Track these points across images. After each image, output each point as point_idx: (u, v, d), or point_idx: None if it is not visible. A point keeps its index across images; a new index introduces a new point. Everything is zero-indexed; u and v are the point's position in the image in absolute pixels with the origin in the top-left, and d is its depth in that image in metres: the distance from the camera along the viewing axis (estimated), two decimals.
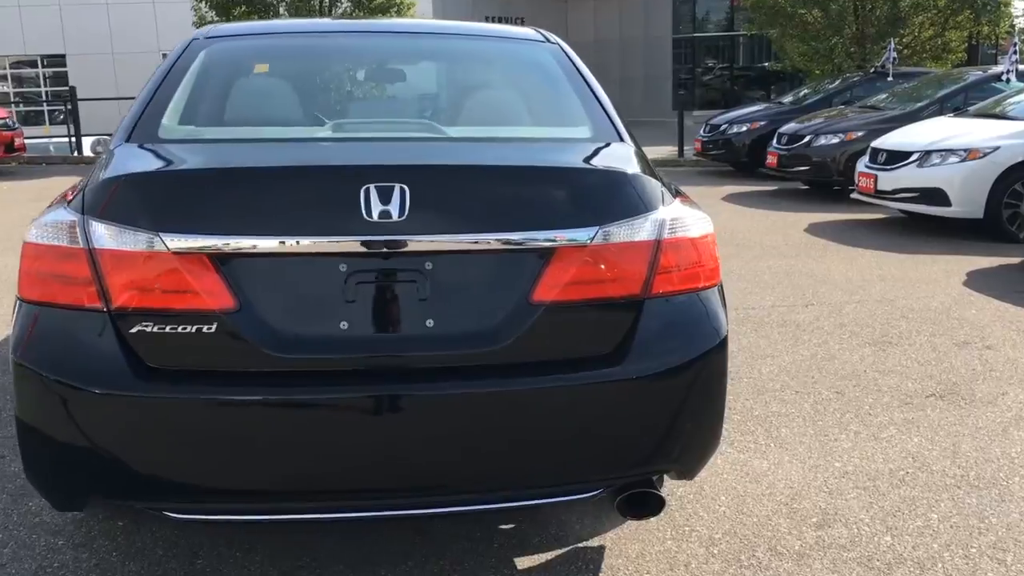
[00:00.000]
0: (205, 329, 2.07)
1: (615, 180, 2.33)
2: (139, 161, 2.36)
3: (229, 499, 2.21)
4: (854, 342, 4.91)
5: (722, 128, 13.67)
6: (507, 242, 2.16)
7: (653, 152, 15.46)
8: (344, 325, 2.12)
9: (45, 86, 27.56)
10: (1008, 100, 9.11)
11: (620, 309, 2.23)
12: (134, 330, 2.08)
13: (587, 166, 2.46)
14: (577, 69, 3.02)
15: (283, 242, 2.09)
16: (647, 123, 20.28)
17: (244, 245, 2.08)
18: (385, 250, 2.12)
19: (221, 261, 2.09)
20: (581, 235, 2.18)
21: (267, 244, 2.09)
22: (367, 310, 2.14)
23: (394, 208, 2.10)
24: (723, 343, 2.35)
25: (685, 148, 15.52)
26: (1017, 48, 10.80)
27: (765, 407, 3.95)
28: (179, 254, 2.08)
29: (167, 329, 2.08)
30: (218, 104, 2.89)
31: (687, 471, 2.46)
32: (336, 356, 2.12)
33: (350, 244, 2.11)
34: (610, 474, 2.30)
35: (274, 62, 3.10)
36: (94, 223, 2.11)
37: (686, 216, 2.36)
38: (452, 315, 2.16)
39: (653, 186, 2.35)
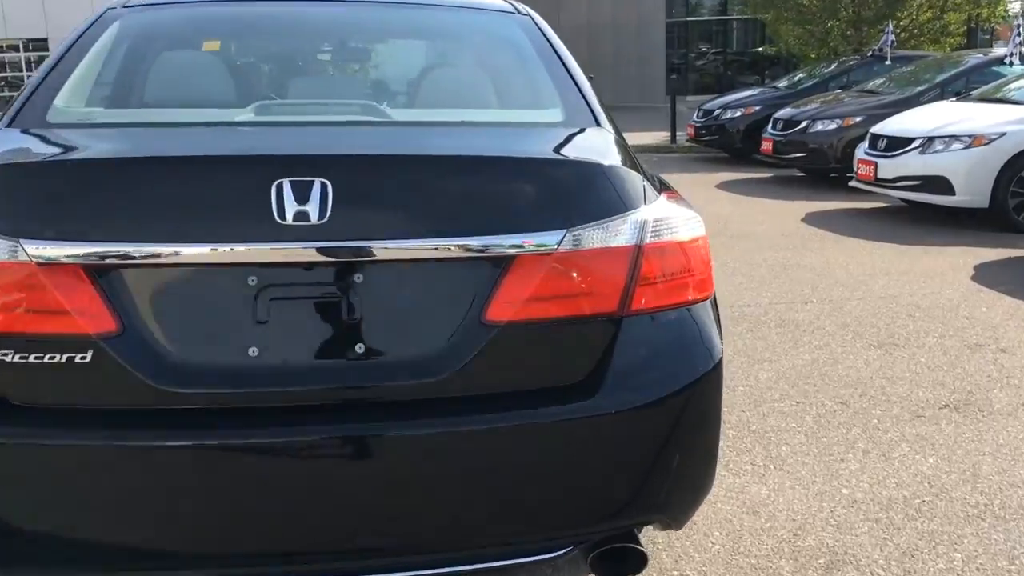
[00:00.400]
0: (79, 358, 1.67)
1: (586, 173, 1.89)
2: (5, 150, 1.92)
3: (113, 566, 1.77)
4: (858, 344, 4.54)
5: (715, 113, 13.26)
6: (451, 249, 1.76)
7: (645, 138, 15.12)
8: (253, 352, 1.73)
9: (28, 71, 27.11)
10: (1012, 84, 8.72)
11: (593, 329, 1.83)
12: None
13: (553, 156, 2.00)
14: (550, 44, 2.60)
15: (176, 250, 1.68)
16: (640, 108, 19.87)
17: (127, 254, 1.68)
18: (301, 260, 1.72)
19: (99, 274, 1.69)
20: (545, 240, 1.79)
21: (155, 252, 1.68)
22: (281, 333, 1.73)
23: (312, 208, 1.71)
24: (717, 367, 1.95)
25: (678, 134, 15.11)
26: (1021, 30, 10.41)
27: (763, 420, 3.57)
28: (45, 265, 1.67)
29: (32, 359, 1.67)
30: (128, 83, 2.43)
31: (674, 521, 2.03)
32: (242, 390, 1.72)
33: (258, 253, 1.70)
34: (581, 528, 1.89)
35: (200, 34, 2.65)
36: None
37: (674, 216, 1.94)
38: (386, 339, 1.77)
39: (634, 180, 1.93)
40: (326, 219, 1.70)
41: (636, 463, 1.87)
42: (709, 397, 1.95)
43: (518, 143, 2.13)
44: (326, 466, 1.73)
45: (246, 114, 2.25)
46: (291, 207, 1.70)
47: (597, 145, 2.10)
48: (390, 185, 1.79)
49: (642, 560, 1.93)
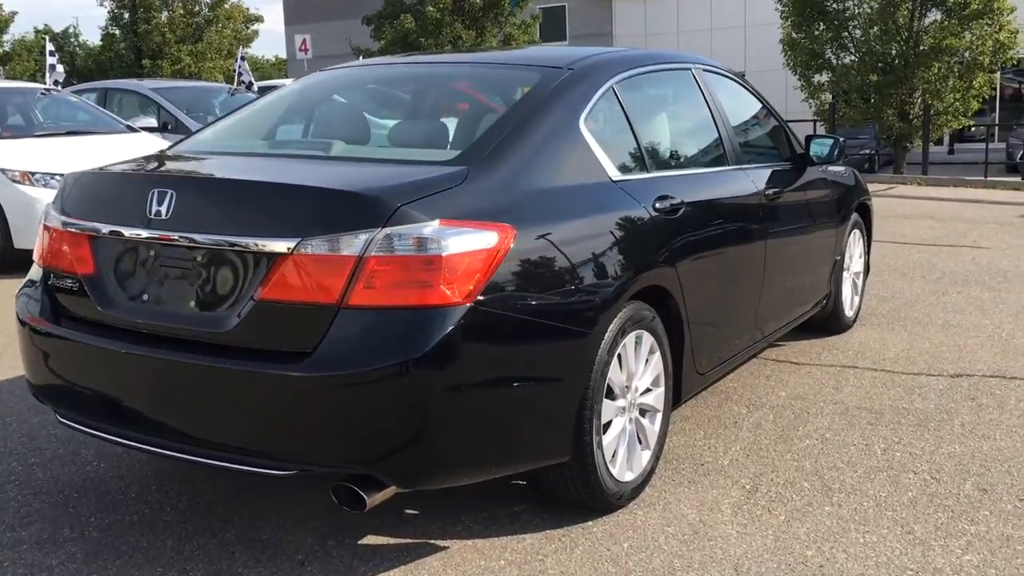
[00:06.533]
0: (76, 287, 2.87)
1: (326, 197, 2.52)
2: None
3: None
4: None
5: None
6: (220, 244, 2.53)
7: None
8: (145, 297, 2.73)
9: None
10: None
11: (319, 314, 2.41)
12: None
13: (304, 184, 2.64)
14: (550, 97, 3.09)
15: (115, 230, 2.76)
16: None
17: (98, 229, 2.80)
18: (157, 240, 2.67)
19: (91, 240, 2.82)
20: (282, 245, 2.43)
21: (109, 231, 2.77)
22: (154, 287, 2.72)
23: (163, 208, 2.64)
24: (423, 362, 2.36)
25: None
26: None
27: None
28: (68, 232, 2.91)
29: (60, 283, 2.93)
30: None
31: (395, 479, 2.50)
32: (132, 319, 2.72)
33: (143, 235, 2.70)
34: (299, 459, 2.49)
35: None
36: None
37: (424, 237, 2.40)
38: (200, 299, 2.61)
39: (379, 207, 2.43)
40: (169, 216, 2.62)
41: (335, 419, 2.41)
42: (406, 381, 2.38)
43: (318, 172, 2.87)
44: (153, 367, 2.64)
45: (262, 146, 3.50)
46: (154, 207, 2.65)
47: (378, 177, 2.68)
48: (202, 197, 2.73)
49: (359, 501, 2.46)
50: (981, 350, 4.88)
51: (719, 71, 4.17)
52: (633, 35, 30.92)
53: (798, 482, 3.26)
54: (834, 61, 17.30)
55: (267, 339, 2.48)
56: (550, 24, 31.63)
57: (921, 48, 16.29)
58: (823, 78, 17.47)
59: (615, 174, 3.09)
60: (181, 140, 3.50)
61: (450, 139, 3.14)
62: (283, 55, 49.51)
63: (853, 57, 17.16)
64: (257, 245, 2.48)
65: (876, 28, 16.58)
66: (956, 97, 16.37)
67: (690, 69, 3.89)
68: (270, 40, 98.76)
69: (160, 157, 3.25)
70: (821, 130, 17.42)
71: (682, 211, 3.29)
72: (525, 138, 2.86)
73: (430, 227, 2.42)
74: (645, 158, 3.33)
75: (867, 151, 21.58)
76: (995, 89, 18.27)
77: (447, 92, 3.61)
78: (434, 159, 2.88)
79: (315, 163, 3.03)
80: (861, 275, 5.51)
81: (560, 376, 2.70)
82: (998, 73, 20.40)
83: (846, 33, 17.04)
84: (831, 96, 17.49)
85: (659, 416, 3.22)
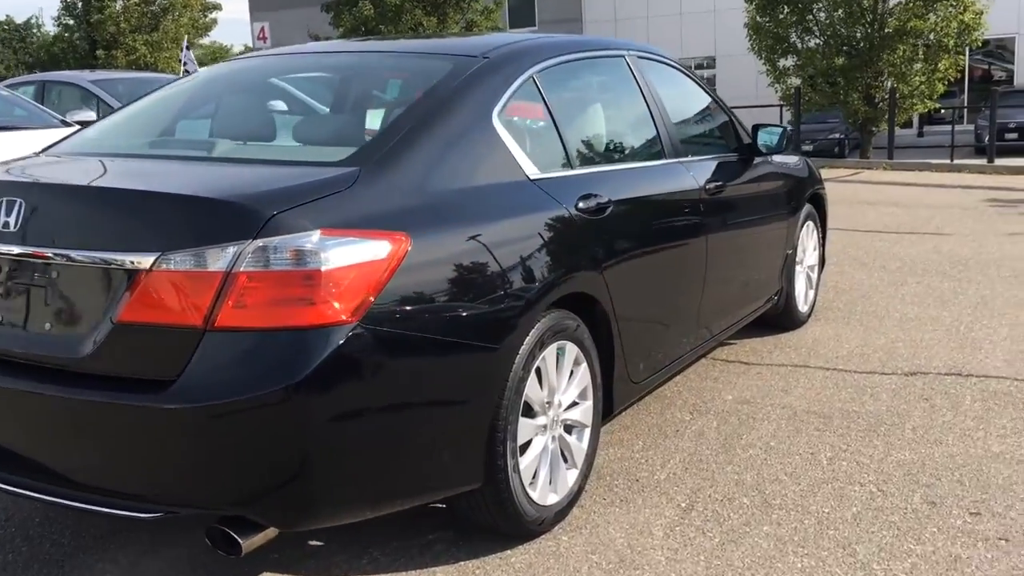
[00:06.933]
0: None
1: (191, 206, 2.25)
2: None
3: None
4: None
5: None
6: (73, 259, 2.26)
7: None
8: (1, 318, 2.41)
9: None
10: None
11: (181, 338, 2.15)
12: None
13: (167, 191, 2.38)
14: (456, 88, 2.83)
15: None
16: None
17: None
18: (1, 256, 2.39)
19: None
20: (142, 260, 2.17)
21: None
22: (7, 307, 2.42)
23: (12, 219, 2.35)
24: (300, 389, 2.10)
25: None
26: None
27: None
28: None
29: None
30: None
31: (273, 520, 2.24)
32: None
33: None
34: (164, 500, 2.23)
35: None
36: None
37: (294, 247, 2.14)
38: (53, 321, 2.33)
39: (250, 214, 2.16)
40: (17, 228, 2.34)
41: (201, 455, 2.15)
42: (285, 411, 2.11)
43: (195, 179, 2.51)
44: (5, 397, 2.35)
45: (142, 147, 3.12)
46: (2, 218, 2.37)
47: (259, 183, 2.38)
48: (60, 207, 2.40)
49: (234, 544, 2.19)
50: (938, 345, 4.70)
51: (657, 58, 3.94)
52: (603, 20, 30.67)
53: (737, 498, 3.05)
54: (799, 45, 17.14)
55: (126, 366, 2.22)
56: (519, 10, 31.31)
57: (886, 30, 16.16)
58: (788, 62, 17.31)
59: (533, 172, 2.85)
60: (63, 139, 3.17)
61: (346, 137, 2.87)
62: (251, 44, 48.88)
63: (818, 40, 17.01)
64: (115, 260, 2.21)
65: (841, 11, 16.43)
66: (922, 80, 16.26)
67: (623, 56, 3.66)
68: (236, 29, 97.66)
69: (22, 160, 2.94)
70: (788, 116, 17.29)
71: (610, 210, 3.06)
72: (428, 134, 2.60)
73: (309, 238, 2.17)
74: (569, 154, 3.09)
75: (837, 135, 21.47)
76: (962, 71, 18.14)
77: (353, 84, 3.34)
78: (325, 159, 2.58)
79: (194, 165, 2.72)
80: (816, 268, 5.31)
81: (465, 398, 2.46)
82: (965, 55, 20.36)
83: (810, 16, 16.89)
84: (797, 80, 17.32)
85: (587, 432, 3.00)
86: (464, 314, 2.42)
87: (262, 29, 19.89)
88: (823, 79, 16.81)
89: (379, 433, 2.28)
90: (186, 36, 20.73)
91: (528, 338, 2.62)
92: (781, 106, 17.51)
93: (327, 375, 2.14)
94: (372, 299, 2.20)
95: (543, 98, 3.05)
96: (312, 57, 3.57)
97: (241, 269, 2.12)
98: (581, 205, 2.93)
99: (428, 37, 3.47)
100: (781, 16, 16.91)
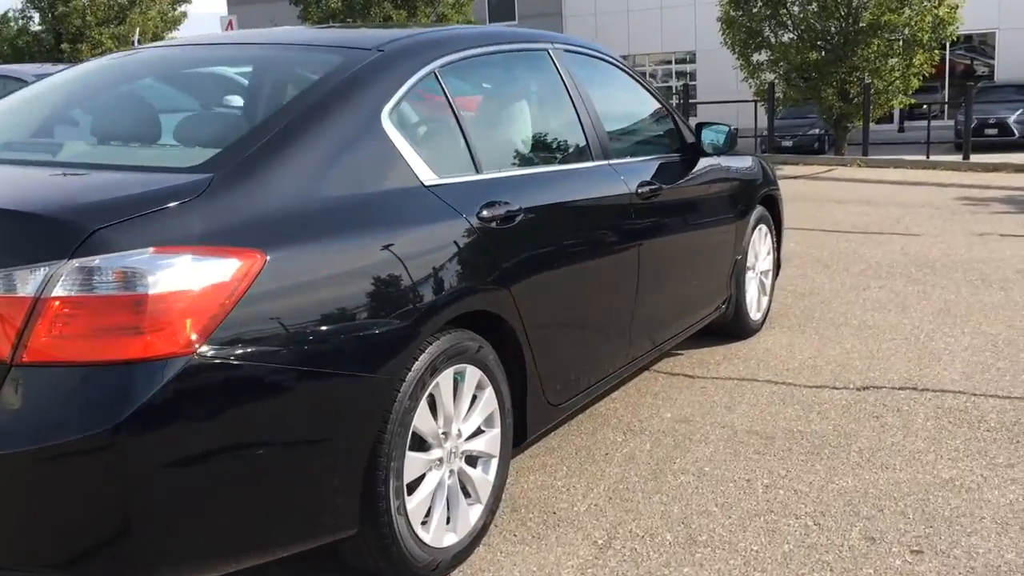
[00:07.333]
0: None
1: (4, 221, 1.93)
2: None
3: None
4: None
5: None
6: None
7: None
8: None
9: None
10: None
11: None
12: None
13: None
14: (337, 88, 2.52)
15: None
16: None
17: None
18: None
19: None
20: None
21: None
22: None
23: None
24: (123, 432, 1.80)
25: None
26: None
27: None
28: None
29: None
30: None
31: None
32: None
33: None
34: None
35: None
36: None
37: (119, 267, 1.85)
38: None
39: (67, 229, 1.87)
40: None
41: (6, 510, 1.86)
42: (105, 458, 1.82)
43: (16, 188, 2.17)
44: None
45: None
46: None
47: (85, 192, 2.08)
48: None
49: None
50: (895, 356, 4.45)
51: (588, 51, 3.66)
52: (583, 14, 30.44)
53: (660, 534, 2.79)
54: (773, 39, 16.91)
55: None
56: (499, 5, 30.99)
57: (860, 25, 15.95)
58: (762, 57, 17.07)
59: (429, 178, 2.56)
60: None
61: (209, 138, 2.54)
62: None
63: (792, 35, 16.78)
64: None
65: (814, 4, 16.21)
66: (897, 75, 16.06)
67: (546, 50, 3.37)
68: (209, 24, 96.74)
69: None
70: (762, 112, 17.06)
71: (520, 219, 2.78)
72: (301, 136, 2.31)
73: (138, 256, 1.87)
74: (476, 157, 2.80)
75: (817, 131, 21.25)
76: (936, 66, 17.92)
77: (233, 81, 3.04)
78: (178, 164, 2.27)
79: (29, 171, 2.40)
80: (770, 274, 5.06)
81: (332, 435, 2.17)
82: (945, 49, 20.20)
83: (784, 10, 16.65)
84: (771, 76, 17.09)
85: (494, 463, 2.73)
86: (332, 341, 2.14)
87: (230, 22, 19.52)
88: (797, 74, 16.57)
89: (226, 478, 1.99)
90: (136, 31, 20.22)
91: (416, 364, 2.35)
92: (755, 101, 17.26)
93: (158, 415, 1.85)
94: (215, 326, 1.91)
95: (446, 95, 2.77)
96: (200, 50, 3.26)
97: (54, 294, 1.82)
98: (485, 213, 2.66)
99: (340, 27, 3.09)
100: (755, 10, 16.66)
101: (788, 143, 20.18)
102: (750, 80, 17.28)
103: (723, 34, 17.19)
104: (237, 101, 2.91)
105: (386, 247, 2.33)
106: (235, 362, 1.95)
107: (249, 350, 1.97)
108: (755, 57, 17.04)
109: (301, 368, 2.07)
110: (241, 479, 2.01)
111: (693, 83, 27.78)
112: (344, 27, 2.96)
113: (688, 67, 29.90)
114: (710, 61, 27.34)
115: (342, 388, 2.16)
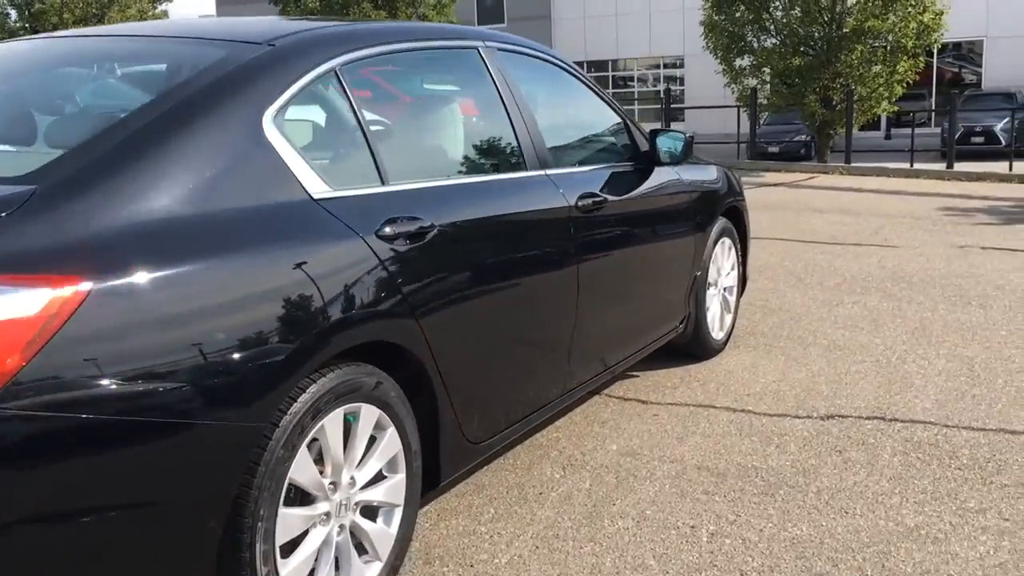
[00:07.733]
0: None
1: None
2: None
3: None
4: None
5: None
6: None
7: None
8: None
9: None
10: None
11: None
12: None
13: None
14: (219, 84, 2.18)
15: None
16: None
17: None
18: None
19: None
20: None
21: None
22: None
23: None
24: None
25: None
26: None
27: None
28: None
29: None
30: None
31: None
32: None
33: None
34: None
35: None
36: None
37: None
38: None
39: None
40: None
41: None
42: None
43: None
44: None
45: None
46: None
47: None
48: None
49: None
50: (864, 381, 4.15)
51: (526, 51, 3.34)
52: (572, 18, 30.18)
53: None
54: (755, 44, 16.66)
55: None
56: (489, 7, 30.68)
57: (844, 30, 15.71)
58: (745, 62, 16.81)
59: (319, 190, 2.24)
60: None
61: (51, 143, 2.22)
62: None
63: (775, 40, 16.53)
64: None
65: (798, 9, 15.96)
66: (880, 82, 15.82)
67: (476, 48, 3.05)
68: None
69: None
70: (744, 117, 16.80)
71: (432, 236, 2.47)
72: (156, 141, 1.98)
73: None
74: (380, 167, 2.47)
75: (803, 137, 20.99)
76: (923, 73, 17.71)
77: (95, 78, 2.70)
78: (2, 173, 1.93)
79: None
80: (735, 290, 4.75)
81: (176, 496, 1.83)
82: (933, 57, 19.99)
83: (767, 15, 16.40)
84: (754, 81, 16.83)
85: (398, 512, 2.40)
86: (178, 384, 1.81)
87: None
88: (780, 80, 16.32)
89: (28, 552, 1.65)
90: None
91: (294, 407, 2.02)
92: (738, 107, 17.00)
93: None
94: (15, 370, 1.59)
95: (348, 97, 2.45)
96: (74, 42, 2.91)
97: None
98: (387, 231, 2.33)
99: (247, 19, 2.73)
100: (737, 14, 16.40)
101: (774, 149, 19.90)
102: (733, 85, 17.02)
103: (705, 38, 16.92)
104: (93, 101, 2.57)
105: (256, 271, 2.00)
106: (43, 413, 1.62)
107: (62, 398, 1.64)
108: (738, 62, 16.78)
109: (132, 418, 1.74)
110: (54, 549, 1.68)
111: (681, 88, 27.54)
112: (251, 19, 2.57)
113: (677, 72, 29.65)
114: (699, 66, 27.11)
115: (188, 440, 1.83)
